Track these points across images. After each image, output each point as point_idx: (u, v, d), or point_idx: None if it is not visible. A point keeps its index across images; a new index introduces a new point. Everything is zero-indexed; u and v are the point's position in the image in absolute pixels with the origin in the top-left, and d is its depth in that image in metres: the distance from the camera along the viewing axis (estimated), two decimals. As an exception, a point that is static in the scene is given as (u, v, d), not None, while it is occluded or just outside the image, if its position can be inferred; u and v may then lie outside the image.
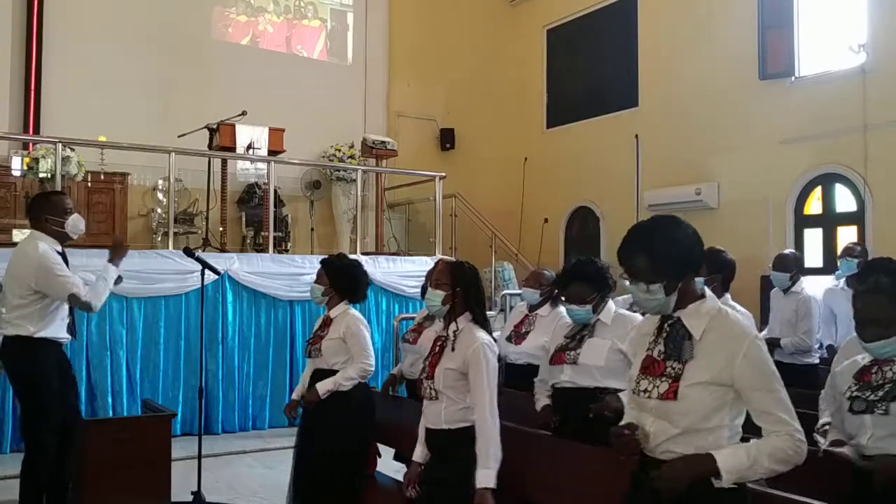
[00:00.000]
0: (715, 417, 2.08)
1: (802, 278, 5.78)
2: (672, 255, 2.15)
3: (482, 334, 3.06)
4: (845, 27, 8.48)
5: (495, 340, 3.18)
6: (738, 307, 4.78)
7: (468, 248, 10.35)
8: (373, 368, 3.90)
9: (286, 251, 9.26)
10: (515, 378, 4.76)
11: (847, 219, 8.50)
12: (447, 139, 12.18)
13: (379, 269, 7.99)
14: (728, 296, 4.82)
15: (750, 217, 9.09)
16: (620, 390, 3.32)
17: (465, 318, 3.12)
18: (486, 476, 2.87)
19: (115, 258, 4.35)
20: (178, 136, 7.88)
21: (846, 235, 8.40)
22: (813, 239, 8.82)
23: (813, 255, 8.78)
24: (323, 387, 3.86)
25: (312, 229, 10.15)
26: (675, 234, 2.18)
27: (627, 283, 2.21)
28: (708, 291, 2.21)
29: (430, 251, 8.98)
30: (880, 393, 2.49)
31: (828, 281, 6.57)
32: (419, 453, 3.19)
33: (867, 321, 2.56)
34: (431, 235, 9.21)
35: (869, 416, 2.50)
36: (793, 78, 8.97)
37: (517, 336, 4.83)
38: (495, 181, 12.10)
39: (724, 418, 2.08)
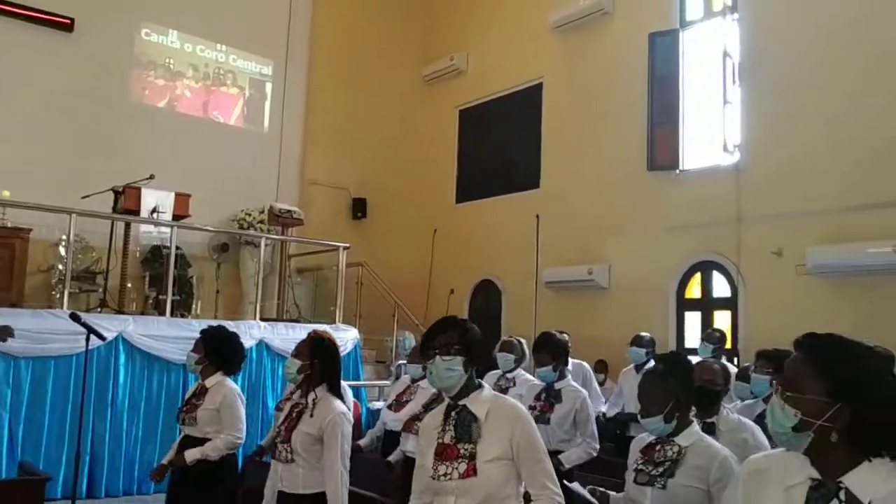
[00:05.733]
0: (507, 487, 2.44)
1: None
2: None
3: (338, 404, 3.36)
4: (722, 128, 9.23)
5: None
6: (575, 385, 4.92)
7: (373, 316, 10.58)
8: (241, 441, 4.09)
9: (187, 313, 9.29)
10: (390, 443, 5.24)
11: (722, 303, 9.10)
12: (359, 208, 12.53)
13: (278, 335, 8.15)
14: (569, 377, 4.94)
15: (637, 298, 9.61)
16: None
17: (324, 388, 3.41)
18: None
19: None
20: (82, 197, 7.95)
21: (721, 319, 8.99)
22: (693, 321, 9.38)
23: (693, 336, 9.33)
24: (191, 455, 4.01)
25: (218, 291, 10.21)
26: None
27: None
28: (484, 384, 2.60)
29: (333, 318, 9.17)
30: (661, 469, 2.85)
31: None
32: None
33: (642, 401, 2.97)
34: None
35: (650, 488, 2.85)
36: (678, 171, 9.61)
37: (398, 404, 5.37)
38: (405, 251, 12.44)
39: (514, 487, 2.46)
